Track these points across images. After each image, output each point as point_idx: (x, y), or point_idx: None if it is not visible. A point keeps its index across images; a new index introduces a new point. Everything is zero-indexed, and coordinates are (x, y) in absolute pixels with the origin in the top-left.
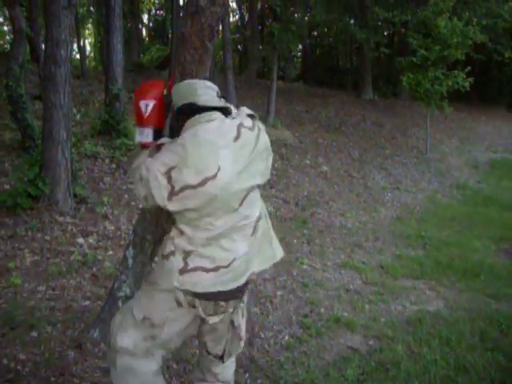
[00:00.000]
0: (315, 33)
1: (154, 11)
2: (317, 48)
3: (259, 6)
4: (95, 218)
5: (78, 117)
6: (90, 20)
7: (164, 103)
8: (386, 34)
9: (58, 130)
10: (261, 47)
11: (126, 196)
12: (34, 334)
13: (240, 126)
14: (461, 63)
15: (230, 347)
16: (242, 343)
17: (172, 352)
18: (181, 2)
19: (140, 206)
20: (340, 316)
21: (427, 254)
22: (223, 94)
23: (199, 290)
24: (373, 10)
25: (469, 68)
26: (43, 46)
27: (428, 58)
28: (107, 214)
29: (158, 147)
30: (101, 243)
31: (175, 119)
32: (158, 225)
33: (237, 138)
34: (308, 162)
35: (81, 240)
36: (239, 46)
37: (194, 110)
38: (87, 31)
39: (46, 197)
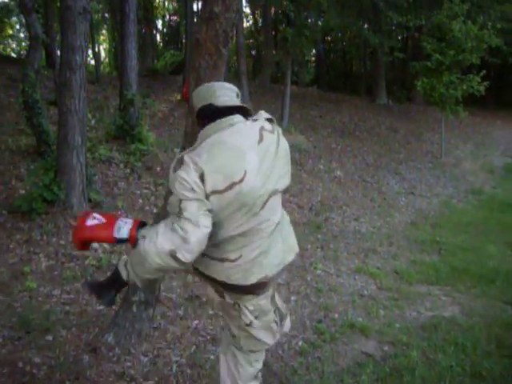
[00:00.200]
0: (329, 38)
1: (167, 17)
2: (330, 53)
3: (273, 11)
4: None
5: (93, 122)
6: (105, 26)
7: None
8: (399, 38)
9: (73, 135)
10: (274, 52)
11: (140, 201)
12: (49, 337)
13: (262, 129)
14: (476, 67)
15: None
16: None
17: None
18: (195, 8)
19: (154, 211)
20: (354, 321)
21: (442, 260)
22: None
23: (207, 272)
24: (386, 14)
25: (484, 72)
26: (59, 51)
27: (442, 62)
28: None
29: (181, 161)
30: (115, 248)
31: (196, 122)
32: None
33: (260, 141)
34: (322, 166)
35: (95, 244)
36: (253, 51)
37: (213, 111)
38: (102, 37)
39: (61, 201)
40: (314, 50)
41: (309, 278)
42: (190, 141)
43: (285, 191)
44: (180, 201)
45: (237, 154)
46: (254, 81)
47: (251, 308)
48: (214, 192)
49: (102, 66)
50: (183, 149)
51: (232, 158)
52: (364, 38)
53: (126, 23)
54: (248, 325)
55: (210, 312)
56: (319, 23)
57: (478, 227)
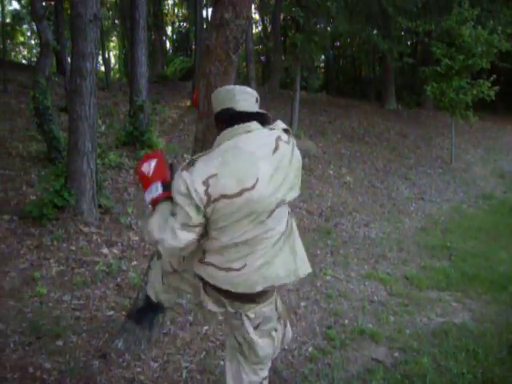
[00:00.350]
0: (338, 43)
1: (177, 23)
2: (340, 58)
3: (282, 17)
4: (120, 229)
5: (103, 128)
6: (115, 32)
7: (166, 161)
8: (409, 43)
9: (84, 142)
10: (284, 58)
11: (150, 206)
12: (60, 343)
13: (278, 138)
14: (486, 72)
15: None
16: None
17: None
18: (204, 15)
19: None
20: (364, 327)
21: (453, 265)
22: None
23: (211, 281)
24: (396, 19)
25: (494, 77)
26: (69, 58)
27: (452, 67)
28: (131, 225)
29: (192, 163)
30: (125, 253)
31: (214, 126)
32: None
33: (275, 150)
34: (331, 172)
35: (105, 250)
36: (262, 57)
37: (231, 115)
38: (112, 44)
39: (72, 207)
40: (323, 56)
41: (318, 284)
42: (200, 146)
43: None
44: (175, 203)
45: (250, 160)
46: (264, 86)
47: (252, 316)
48: (224, 196)
49: (112, 73)
50: (194, 153)
51: (245, 163)
52: (373, 44)
53: (136, 30)
54: (250, 333)
55: (220, 318)
56: (328, 29)
57: (489, 232)
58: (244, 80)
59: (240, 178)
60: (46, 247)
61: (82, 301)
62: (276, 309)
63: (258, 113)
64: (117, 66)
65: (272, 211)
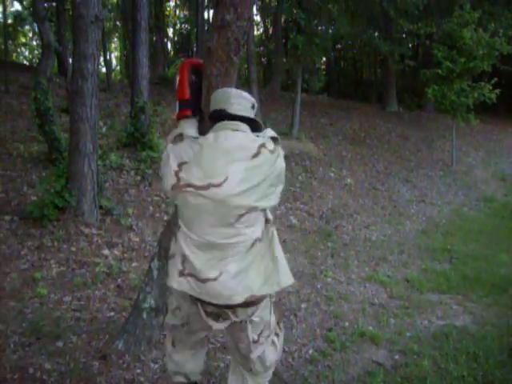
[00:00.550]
0: (339, 45)
1: (179, 25)
2: (341, 61)
3: (283, 19)
4: (120, 230)
5: (104, 129)
6: (117, 34)
7: (188, 77)
8: (410, 46)
9: (85, 143)
10: (285, 60)
11: (151, 208)
12: (60, 344)
13: (262, 146)
14: (487, 75)
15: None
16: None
17: None
18: (206, 16)
19: (165, 218)
20: (365, 330)
21: (454, 268)
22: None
23: (194, 294)
24: (397, 22)
25: (495, 79)
26: (71, 59)
27: (453, 69)
28: (132, 226)
29: (181, 139)
30: (126, 255)
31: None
32: None
33: (254, 156)
34: (332, 174)
35: (106, 251)
36: (263, 59)
37: (223, 116)
38: (113, 45)
39: (72, 208)
40: (324, 58)
41: (319, 286)
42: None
43: (295, 199)
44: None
45: (224, 158)
46: (265, 88)
47: (257, 320)
48: (190, 185)
49: (113, 74)
50: None
51: (219, 160)
52: (374, 46)
53: (138, 31)
54: (256, 341)
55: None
56: (329, 31)
57: (490, 235)
58: (245, 82)
59: (209, 172)
60: (46, 248)
61: (82, 302)
62: (272, 312)
63: (249, 118)
64: (118, 68)
65: (241, 216)
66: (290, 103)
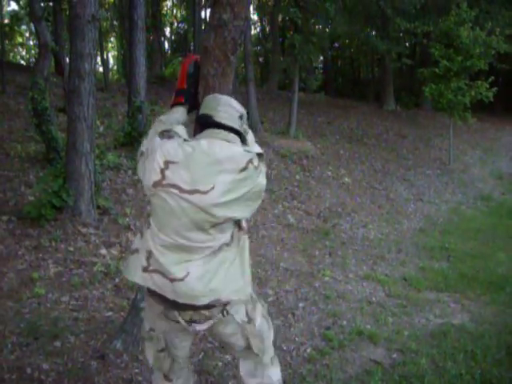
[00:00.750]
0: (336, 44)
1: (176, 24)
2: (338, 59)
3: (280, 18)
4: (118, 229)
5: (102, 129)
6: (113, 33)
7: (186, 70)
8: (407, 44)
9: (82, 142)
10: (282, 59)
11: (148, 207)
12: (58, 343)
13: (250, 161)
14: (484, 73)
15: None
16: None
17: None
18: (203, 16)
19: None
20: (363, 329)
21: (451, 266)
22: (247, 111)
23: (159, 290)
24: (394, 21)
25: (492, 78)
26: (68, 59)
27: (450, 68)
28: (130, 225)
29: (170, 136)
30: (123, 254)
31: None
32: None
33: (242, 170)
34: (330, 173)
35: (104, 251)
36: (260, 58)
37: (209, 123)
38: (110, 44)
39: (70, 208)
40: (321, 57)
41: (317, 285)
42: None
43: (292, 198)
44: (142, 152)
45: (215, 167)
46: (262, 87)
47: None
48: (175, 187)
49: (110, 74)
50: None
51: (209, 168)
52: (372, 45)
53: (135, 30)
54: (247, 321)
55: None
56: (327, 30)
57: (487, 234)
58: (242, 81)
59: (197, 178)
60: (44, 248)
61: (80, 302)
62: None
63: (233, 129)
64: (115, 67)
65: (217, 224)
66: (287, 102)
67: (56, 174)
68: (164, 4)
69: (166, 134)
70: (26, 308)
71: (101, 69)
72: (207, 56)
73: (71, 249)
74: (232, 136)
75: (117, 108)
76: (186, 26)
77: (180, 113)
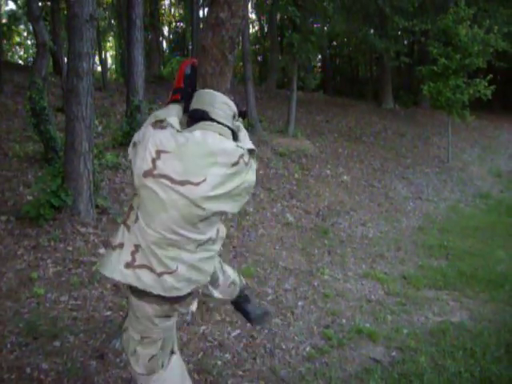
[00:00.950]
0: (335, 43)
1: (174, 23)
2: (336, 58)
3: (278, 16)
4: (117, 229)
5: (100, 128)
6: (112, 33)
7: (184, 71)
8: (405, 43)
9: (80, 142)
10: (280, 58)
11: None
12: (57, 343)
13: (241, 156)
14: (482, 71)
15: None
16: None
17: None
18: (201, 15)
19: None
20: (362, 327)
21: (450, 264)
22: (243, 110)
23: (141, 286)
24: (392, 19)
25: (490, 76)
26: (66, 58)
27: (449, 66)
28: None
29: (162, 126)
30: None
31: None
32: None
33: (234, 164)
34: (328, 171)
35: (102, 250)
36: (259, 57)
37: (204, 119)
38: (108, 44)
39: (69, 208)
40: (320, 56)
41: (316, 284)
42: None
43: (291, 196)
44: (135, 143)
45: (208, 159)
46: (261, 86)
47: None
48: (166, 177)
49: (108, 73)
50: None
51: (202, 159)
52: (370, 43)
53: (133, 30)
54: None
55: (218, 318)
56: (325, 29)
57: (486, 232)
58: (241, 80)
59: (189, 169)
60: (42, 248)
61: (79, 301)
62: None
63: (227, 126)
64: (113, 67)
65: (206, 217)
66: (285, 101)
67: (54, 174)
68: (162, 3)
69: (159, 124)
70: (25, 308)
71: (99, 68)
72: (205, 55)
73: (70, 248)
74: (225, 130)
75: (115, 107)
76: (184, 25)
77: (176, 110)
